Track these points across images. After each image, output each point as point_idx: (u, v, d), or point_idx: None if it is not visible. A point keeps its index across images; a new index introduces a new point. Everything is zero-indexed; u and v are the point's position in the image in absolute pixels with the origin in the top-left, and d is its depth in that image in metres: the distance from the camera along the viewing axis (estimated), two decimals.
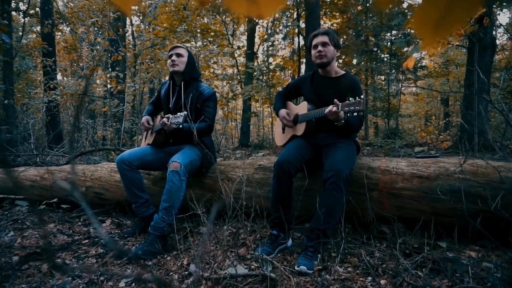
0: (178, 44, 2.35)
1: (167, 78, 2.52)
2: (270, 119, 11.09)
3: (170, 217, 1.95)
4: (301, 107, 2.13)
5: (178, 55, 2.29)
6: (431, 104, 13.97)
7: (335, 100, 1.77)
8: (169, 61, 2.33)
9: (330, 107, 1.77)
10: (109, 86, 6.31)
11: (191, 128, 2.12)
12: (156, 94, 2.61)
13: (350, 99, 1.71)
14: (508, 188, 1.58)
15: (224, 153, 6.71)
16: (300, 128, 2.09)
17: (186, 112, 2.06)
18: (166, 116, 2.12)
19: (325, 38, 1.98)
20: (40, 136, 7.63)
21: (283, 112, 2.18)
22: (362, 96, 1.68)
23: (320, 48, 1.98)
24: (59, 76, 12.94)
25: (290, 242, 1.86)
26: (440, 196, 1.65)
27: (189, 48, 2.41)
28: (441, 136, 8.44)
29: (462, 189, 1.64)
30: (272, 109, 8.09)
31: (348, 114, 1.73)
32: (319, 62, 2.01)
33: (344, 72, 2.06)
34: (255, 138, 11.72)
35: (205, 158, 2.27)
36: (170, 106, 2.38)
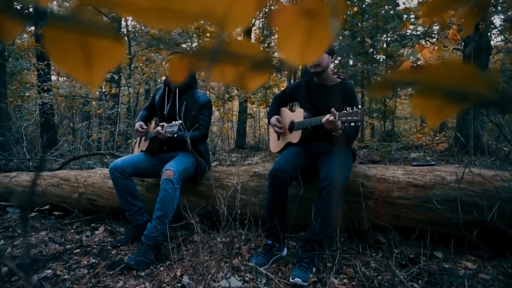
0: (178, 49, 2.31)
1: (163, 78, 2.49)
2: (266, 120, 11.07)
3: (163, 226, 1.92)
4: (297, 114, 2.11)
5: None
6: None
7: (332, 109, 1.74)
8: (166, 65, 2.31)
9: (327, 116, 1.75)
10: (103, 89, 6.25)
11: (186, 137, 2.09)
12: (150, 99, 2.57)
13: (348, 108, 1.69)
14: (504, 198, 1.57)
15: (220, 156, 6.68)
16: (296, 136, 2.07)
17: (181, 121, 2.03)
18: (160, 124, 2.09)
19: None
20: (34, 138, 7.54)
21: (273, 119, 2.21)
22: (360, 106, 1.66)
23: None
24: (53, 77, 12.80)
25: (285, 251, 1.84)
26: (436, 205, 1.64)
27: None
28: (436, 138, 8.45)
29: (459, 200, 1.62)
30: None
31: (346, 124, 1.71)
32: (313, 71, 2.00)
33: (340, 79, 2.04)
34: (251, 139, 11.69)
35: (198, 166, 2.25)
36: (165, 112, 2.35)
